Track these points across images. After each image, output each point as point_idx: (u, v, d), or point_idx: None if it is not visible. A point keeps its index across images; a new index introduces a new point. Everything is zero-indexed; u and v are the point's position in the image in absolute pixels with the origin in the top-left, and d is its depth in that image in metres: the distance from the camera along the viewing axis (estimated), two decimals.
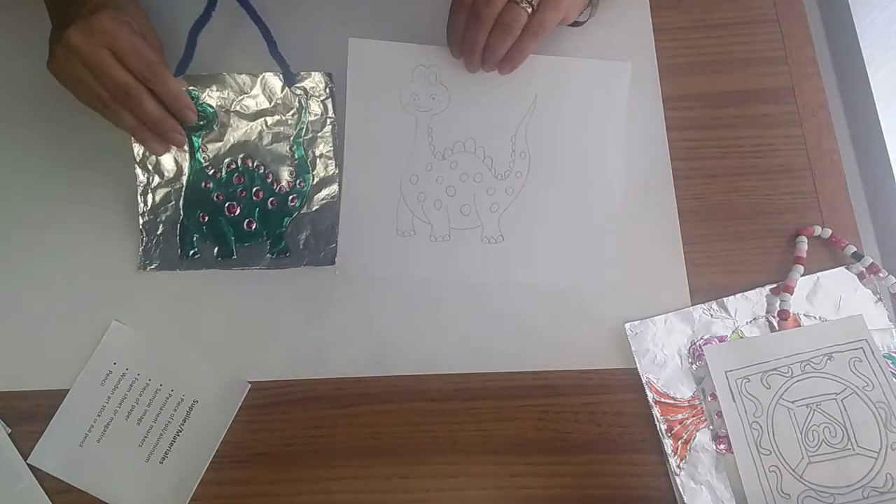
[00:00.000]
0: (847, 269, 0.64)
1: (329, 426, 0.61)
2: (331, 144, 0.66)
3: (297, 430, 0.61)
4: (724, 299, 0.63)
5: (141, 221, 0.64)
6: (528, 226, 0.65)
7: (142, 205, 0.64)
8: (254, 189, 0.65)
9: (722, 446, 0.59)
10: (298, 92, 0.66)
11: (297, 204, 0.65)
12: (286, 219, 0.65)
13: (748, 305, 0.63)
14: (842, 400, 0.59)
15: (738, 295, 0.63)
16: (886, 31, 0.74)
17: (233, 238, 0.64)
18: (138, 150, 0.65)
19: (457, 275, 0.64)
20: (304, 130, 0.66)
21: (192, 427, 0.61)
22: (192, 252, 0.64)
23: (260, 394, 0.62)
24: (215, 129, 0.65)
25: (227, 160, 0.65)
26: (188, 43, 0.63)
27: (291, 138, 0.66)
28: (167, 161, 0.65)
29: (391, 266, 0.65)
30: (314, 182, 0.65)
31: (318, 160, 0.66)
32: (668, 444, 0.59)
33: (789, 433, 0.59)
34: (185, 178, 0.65)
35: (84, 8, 0.58)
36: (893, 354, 0.60)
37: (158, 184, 0.65)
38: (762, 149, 0.67)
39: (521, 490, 0.59)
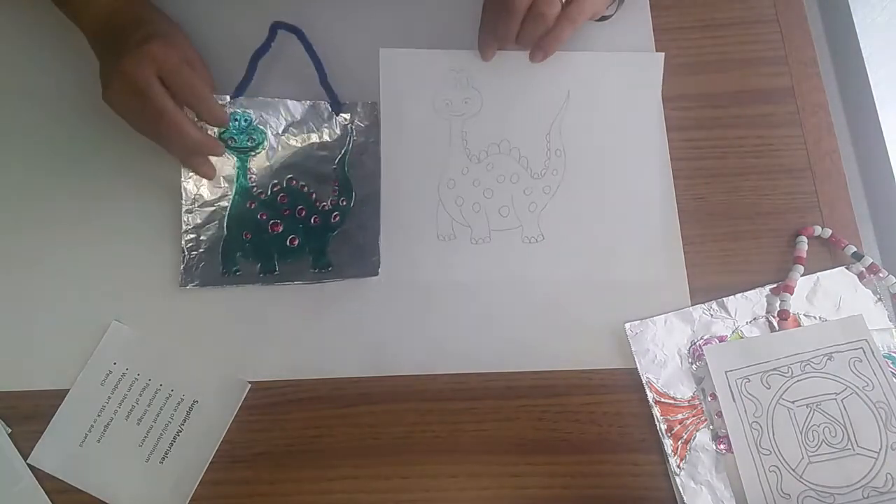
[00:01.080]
0: (847, 269, 0.64)
1: (329, 426, 0.61)
2: (373, 165, 0.66)
3: (297, 430, 0.61)
4: (724, 299, 0.63)
5: (183, 240, 0.64)
6: (568, 223, 0.65)
7: (185, 224, 0.65)
8: (297, 207, 0.66)
9: (722, 446, 0.59)
10: (345, 120, 0.67)
11: (340, 220, 0.66)
12: (329, 234, 0.65)
13: (748, 305, 0.63)
14: (842, 400, 0.59)
15: (738, 295, 0.63)
16: (886, 31, 0.74)
17: (276, 254, 0.65)
18: (185, 171, 0.65)
19: (501, 276, 0.64)
20: (348, 154, 0.67)
21: (192, 427, 0.61)
22: (235, 269, 0.64)
23: (260, 394, 0.62)
24: (264, 151, 0.66)
25: (272, 181, 0.66)
26: (249, 68, 0.66)
27: (336, 160, 0.67)
28: (214, 182, 0.66)
29: (434, 271, 0.65)
30: (357, 199, 0.66)
31: (361, 180, 0.66)
32: (668, 444, 0.59)
33: (789, 433, 0.59)
34: (230, 198, 0.66)
35: (133, 39, 0.59)
36: (893, 354, 0.60)
37: (203, 203, 0.65)
38: (762, 149, 0.67)
39: (521, 490, 0.59)
